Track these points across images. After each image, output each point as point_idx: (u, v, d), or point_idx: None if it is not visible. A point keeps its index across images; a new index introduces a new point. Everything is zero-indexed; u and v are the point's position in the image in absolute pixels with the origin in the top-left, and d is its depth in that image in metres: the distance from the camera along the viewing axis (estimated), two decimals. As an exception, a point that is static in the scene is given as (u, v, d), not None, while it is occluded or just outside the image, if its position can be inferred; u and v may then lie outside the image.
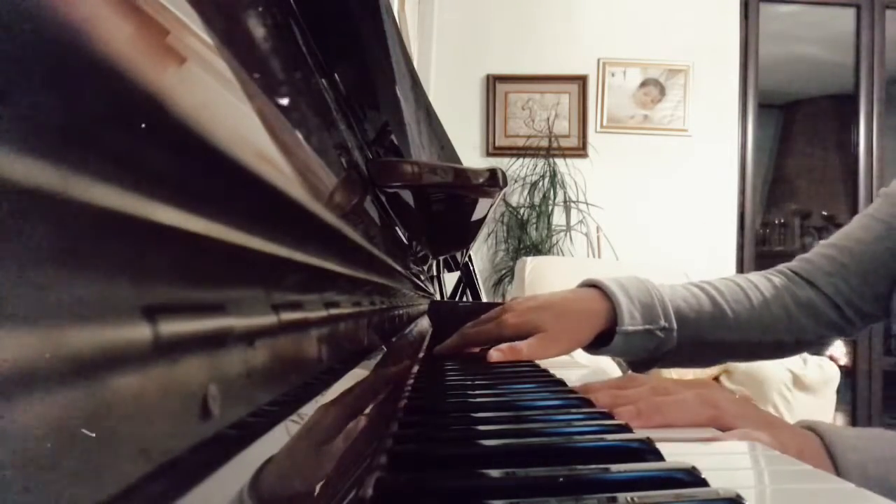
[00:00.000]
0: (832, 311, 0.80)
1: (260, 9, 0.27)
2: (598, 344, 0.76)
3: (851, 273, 0.79)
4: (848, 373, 3.55)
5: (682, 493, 0.26)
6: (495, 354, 0.71)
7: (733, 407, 0.45)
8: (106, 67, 0.13)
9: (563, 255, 3.33)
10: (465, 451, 0.33)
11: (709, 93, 3.46)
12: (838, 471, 0.43)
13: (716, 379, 2.54)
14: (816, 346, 0.84)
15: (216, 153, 0.18)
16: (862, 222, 0.81)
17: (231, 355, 0.18)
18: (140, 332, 0.13)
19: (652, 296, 0.76)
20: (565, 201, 3.42)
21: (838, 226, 0.99)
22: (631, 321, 0.74)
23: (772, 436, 0.42)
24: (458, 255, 1.56)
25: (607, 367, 2.26)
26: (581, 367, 0.88)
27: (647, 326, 0.75)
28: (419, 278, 1.12)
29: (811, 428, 0.46)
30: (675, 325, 0.76)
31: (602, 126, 3.49)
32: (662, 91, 3.49)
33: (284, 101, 0.29)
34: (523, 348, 0.72)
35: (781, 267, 0.85)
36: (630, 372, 0.81)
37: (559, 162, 3.42)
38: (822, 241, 0.84)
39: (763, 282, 0.82)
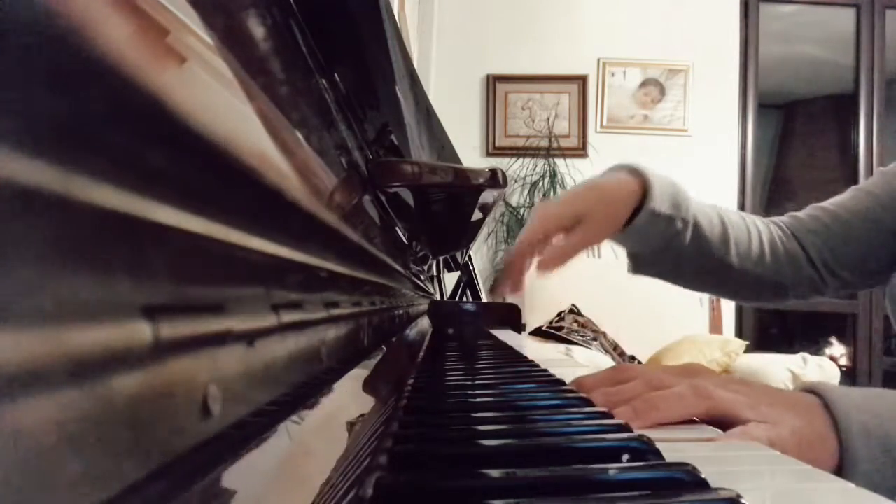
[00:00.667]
0: (810, 268, 0.85)
1: (260, 9, 0.27)
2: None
3: (833, 235, 0.83)
4: (848, 373, 3.55)
5: (682, 494, 0.26)
6: (548, 263, 0.71)
7: (727, 394, 0.45)
8: (106, 67, 0.13)
9: (562, 255, 3.33)
10: (466, 451, 0.33)
11: (709, 93, 3.46)
12: (839, 430, 0.43)
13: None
14: (791, 297, 0.88)
15: (216, 153, 0.18)
16: (854, 193, 0.85)
17: (231, 355, 0.18)
18: (140, 331, 0.13)
19: (679, 190, 0.78)
20: (565, 201, 3.42)
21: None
22: (660, 202, 0.75)
23: (767, 419, 0.42)
24: (458, 255, 1.56)
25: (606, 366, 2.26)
26: (581, 367, 0.88)
27: (672, 213, 0.76)
28: (419, 278, 1.12)
29: (812, 390, 0.46)
30: (693, 222, 0.78)
31: (602, 126, 3.49)
32: (662, 91, 3.49)
33: (284, 102, 0.29)
34: (571, 247, 0.72)
35: (769, 221, 0.89)
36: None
37: (559, 162, 3.42)
38: (813, 203, 0.88)
39: (761, 224, 0.86)
